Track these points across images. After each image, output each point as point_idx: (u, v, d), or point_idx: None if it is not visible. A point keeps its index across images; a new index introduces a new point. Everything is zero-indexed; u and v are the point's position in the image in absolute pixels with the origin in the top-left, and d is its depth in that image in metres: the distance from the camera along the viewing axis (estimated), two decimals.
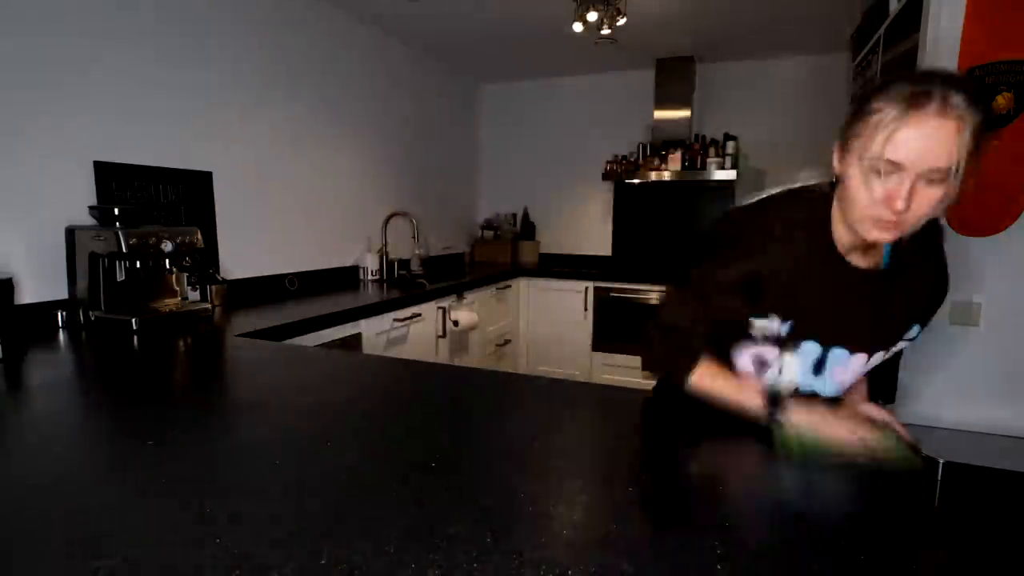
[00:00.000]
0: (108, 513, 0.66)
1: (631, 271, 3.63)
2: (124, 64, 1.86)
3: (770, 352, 0.94)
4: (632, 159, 3.70)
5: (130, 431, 0.94)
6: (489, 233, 4.23)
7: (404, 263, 3.25)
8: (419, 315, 2.56)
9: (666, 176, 3.51)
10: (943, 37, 1.49)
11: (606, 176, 3.72)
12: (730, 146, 3.38)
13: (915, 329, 0.94)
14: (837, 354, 0.93)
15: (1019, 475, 1.32)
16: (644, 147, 3.65)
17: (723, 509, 0.67)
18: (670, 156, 3.47)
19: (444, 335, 2.77)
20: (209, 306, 1.96)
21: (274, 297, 2.39)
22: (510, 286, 3.58)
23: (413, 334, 2.56)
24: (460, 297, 2.94)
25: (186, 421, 0.98)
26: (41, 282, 1.68)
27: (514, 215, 4.33)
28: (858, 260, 0.88)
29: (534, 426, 0.95)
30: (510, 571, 0.55)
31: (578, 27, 2.54)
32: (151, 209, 1.96)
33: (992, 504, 1.35)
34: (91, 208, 1.74)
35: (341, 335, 2.07)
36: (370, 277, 3.03)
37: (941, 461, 1.39)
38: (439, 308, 2.73)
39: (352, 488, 0.71)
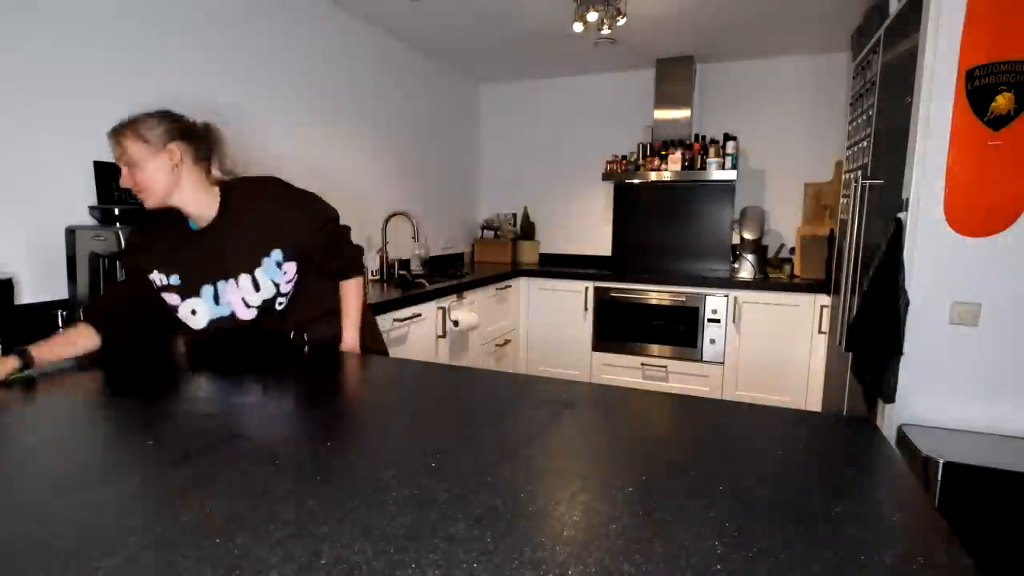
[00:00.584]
0: (108, 513, 0.66)
1: (631, 271, 3.63)
2: (124, 64, 1.86)
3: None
4: (632, 159, 3.70)
5: (130, 431, 0.94)
6: (489, 233, 4.23)
7: (404, 263, 3.26)
8: (419, 315, 2.56)
9: (666, 176, 3.51)
10: (943, 37, 1.49)
11: (606, 176, 3.72)
12: (730, 146, 3.38)
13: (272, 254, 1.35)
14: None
15: (1019, 475, 1.32)
16: (644, 147, 3.65)
17: (723, 508, 0.67)
18: (670, 156, 3.47)
19: (444, 335, 2.77)
20: None
21: None
22: (510, 286, 3.58)
23: (413, 334, 2.56)
24: (460, 297, 2.94)
25: (186, 421, 0.98)
26: (41, 282, 1.68)
27: (514, 215, 4.33)
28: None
29: (534, 426, 0.95)
30: (510, 571, 0.55)
31: (578, 27, 2.54)
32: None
33: (992, 504, 1.35)
34: (91, 208, 1.74)
35: None
36: (370, 277, 3.03)
37: (941, 461, 1.39)
38: (439, 308, 2.73)
39: (352, 488, 0.71)
